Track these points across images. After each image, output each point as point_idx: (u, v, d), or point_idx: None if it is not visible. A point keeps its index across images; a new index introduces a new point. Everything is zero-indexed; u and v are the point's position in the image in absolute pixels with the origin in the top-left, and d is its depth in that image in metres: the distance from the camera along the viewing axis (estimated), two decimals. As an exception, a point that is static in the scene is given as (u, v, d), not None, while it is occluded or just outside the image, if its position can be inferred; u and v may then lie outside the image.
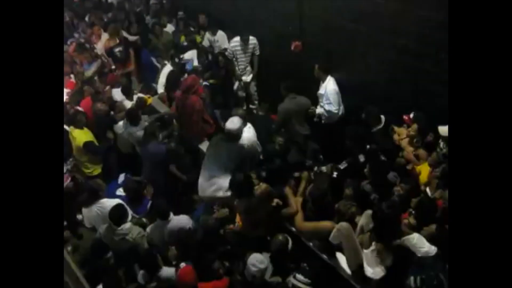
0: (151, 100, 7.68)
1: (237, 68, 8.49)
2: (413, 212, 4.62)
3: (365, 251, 4.42)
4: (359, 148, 5.65)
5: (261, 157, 6.21)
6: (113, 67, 8.88)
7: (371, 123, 6.11)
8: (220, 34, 9.23)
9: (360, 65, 6.72)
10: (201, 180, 5.82)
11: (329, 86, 6.67)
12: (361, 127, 6.03)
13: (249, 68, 8.59)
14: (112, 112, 7.51)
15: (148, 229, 5.55)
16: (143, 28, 10.17)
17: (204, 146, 6.80)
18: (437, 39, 5.32)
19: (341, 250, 4.73)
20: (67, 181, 6.33)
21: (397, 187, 5.09)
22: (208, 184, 5.72)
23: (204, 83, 8.12)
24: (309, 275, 4.54)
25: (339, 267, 4.71)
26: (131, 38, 9.70)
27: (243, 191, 5.12)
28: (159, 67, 8.94)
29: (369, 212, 4.65)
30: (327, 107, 6.73)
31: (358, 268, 4.44)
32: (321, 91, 6.76)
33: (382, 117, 6.09)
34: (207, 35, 9.33)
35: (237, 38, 8.33)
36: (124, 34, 9.76)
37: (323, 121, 6.88)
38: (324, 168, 5.65)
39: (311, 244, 5.02)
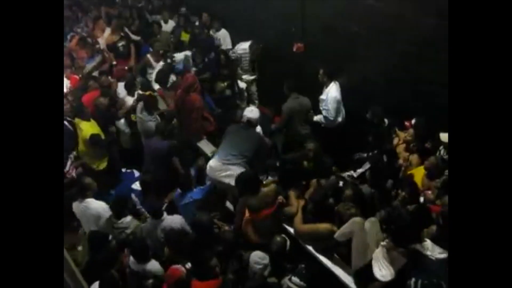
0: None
1: (239, 68, 8.51)
2: None
3: (377, 250, 4.38)
4: (381, 146, 5.64)
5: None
6: (114, 62, 8.86)
7: (376, 122, 6.16)
8: (223, 32, 9.25)
9: (360, 67, 6.72)
10: (213, 162, 5.79)
11: (330, 93, 6.68)
12: (382, 126, 6.02)
13: (250, 68, 8.61)
14: (113, 108, 7.50)
15: (142, 229, 5.53)
16: (145, 25, 10.20)
17: (203, 144, 6.85)
18: (437, 42, 5.34)
19: (339, 254, 4.78)
20: (73, 172, 6.34)
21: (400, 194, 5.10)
22: (220, 167, 5.70)
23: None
24: (305, 278, 4.57)
25: (337, 271, 4.74)
26: (134, 37, 9.72)
27: (250, 187, 5.13)
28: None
29: (373, 219, 4.62)
30: (324, 113, 6.77)
31: (363, 268, 4.42)
32: (323, 96, 6.78)
33: (385, 120, 6.15)
34: (210, 32, 9.37)
35: (246, 45, 8.29)
36: (126, 30, 9.75)
37: (322, 125, 6.90)
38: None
39: (310, 247, 5.03)
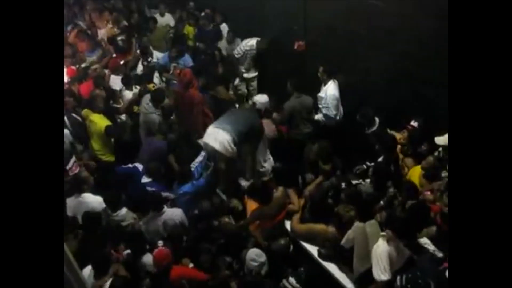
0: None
1: (241, 66, 8.48)
2: None
3: (376, 244, 4.37)
4: (385, 151, 5.61)
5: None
6: (114, 55, 8.82)
7: (366, 125, 6.19)
8: (223, 26, 9.36)
9: (360, 66, 6.74)
10: (209, 128, 5.87)
11: (329, 91, 6.69)
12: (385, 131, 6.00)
13: (252, 65, 8.56)
14: (111, 101, 7.49)
15: (141, 222, 5.53)
16: (144, 19, 10.17)
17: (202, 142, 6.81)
18: (437, 44, 5.33)
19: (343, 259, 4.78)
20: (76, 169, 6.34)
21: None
22: (211, 131, 5.79)
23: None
24: (302, 280, 4.57)
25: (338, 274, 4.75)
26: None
27: (263, 197, 5.20)
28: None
29: (372, 222, 4.63)
30: (324, 111, 6.77)
31: (365, 273, 4.44)
32: (322, 94, 6.79)
33: (376, 119, 6.14)
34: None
35: (253, 42, 8.23)
36: (125, 23, 9.76)
37: (321, 124, 6.91)
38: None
39: (311, 250, 5.03)
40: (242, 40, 8.64)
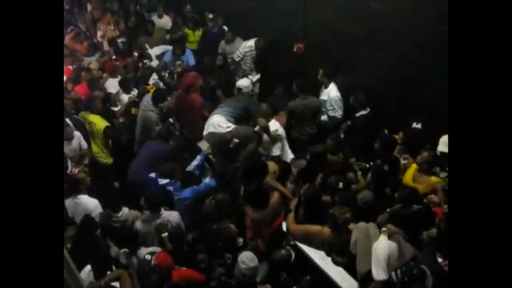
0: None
1: (243, 68, 8.45)
2: None
3: (377, 240, 4.40)
4: (387, 154, 5.55)
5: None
6: (114, 57, 8.82)
7: (356, 107, 6.40)
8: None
9: (360, 68, 6.75)
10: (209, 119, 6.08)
11: (332, 93, 6.77)
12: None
13: (254, 68, 8.50)
14: (107, 104, 7.48)
15: (137, 223, 5.50)
16: (141, 22, 10.18)
17: (203, 144, 6.77)
18: (437, 46, 5.33)
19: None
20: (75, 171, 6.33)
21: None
22: (211, 120, 6.01)
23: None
24: None
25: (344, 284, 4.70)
26: None
27: (259, 202, 5.15)
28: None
29: (372, 224, 4.64)
30: (331, 113, 6.83)
31: (367, 273, 4.43)
32: (324, 97, 6.84)
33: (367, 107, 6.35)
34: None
35: (251, 43, 8.23)
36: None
37: (327, 125, 6.94)
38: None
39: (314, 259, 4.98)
40: (242, 38, 8.67)
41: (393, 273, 4.10)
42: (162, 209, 5.46)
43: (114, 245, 5.22)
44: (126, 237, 5.24)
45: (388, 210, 4.86)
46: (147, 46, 9.07)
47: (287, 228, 5.20)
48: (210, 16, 9.46)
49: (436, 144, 5.27)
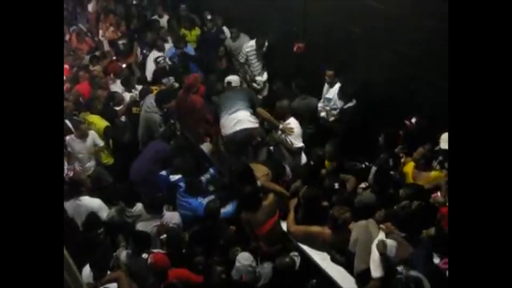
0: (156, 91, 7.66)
1: (250, 69, 8.45)
2: None
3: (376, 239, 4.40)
4: (391, 150, 5.56)
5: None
6: (114, 58, 8.85)
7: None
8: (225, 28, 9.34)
9: (360, 68, 6.74)
10: (223, 121, 5.87)
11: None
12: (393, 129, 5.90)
13: (264, 69, 8.51)
14: (111, 103, 7.51)
15: (139, 224, 5.46)
16: (144, 23, 10.20)
17: (205, 146, 6.79)
18: (437, 45, 5.32)
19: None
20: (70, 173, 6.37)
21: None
22: (231, 118, 5.80)
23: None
24: None
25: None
26: None
27: (250, 204, 5.12)
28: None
29: (371, 220, 4.65)
30: (335, 112, 6.81)
31: (365, 270, 4.43)
32: (329, 95, 6.84)
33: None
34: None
35: (252, 42, 8.25)
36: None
37: (325, 124, 6.94)
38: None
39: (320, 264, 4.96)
40: (246, 35, 8.69)
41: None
42: (165, 210, 5.47)
43: (122, 245, 5.25)
44: (138, 238, 5.18)
45: (387, 208, 4.87)
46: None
47: (288, 229, 5.18)
48: (209, 17, 9.52)
49: (437, 142, 5.24)
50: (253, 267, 4.71)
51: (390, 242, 4.31)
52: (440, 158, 5.20)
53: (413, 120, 5.63)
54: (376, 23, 6.29)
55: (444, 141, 5.13)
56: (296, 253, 5.03)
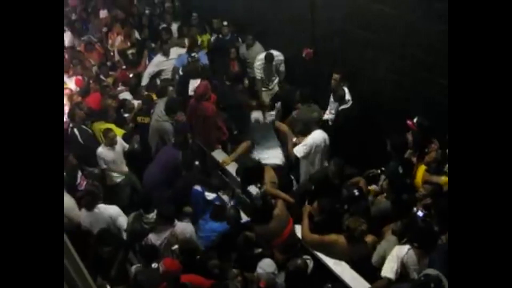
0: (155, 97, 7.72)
1: (261, 78, 8.35)
2: None
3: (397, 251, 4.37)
4: (400, 157, 5.46)
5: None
6: (124, 67, 8.93)
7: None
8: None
9: (369, 72, 6.71)
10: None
11: (346, 97, 6.74)
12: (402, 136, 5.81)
13: (276, 79, 8.43)
14: (122, 110, 7.59)
15: (150, 235, 5.42)
16: (154, 31, 10.26)
17: (217, 153, 6.78)
18: (445, 48, 5.24)
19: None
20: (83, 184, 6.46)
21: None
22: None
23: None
24: None
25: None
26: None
27: (261, 217, 5.07)
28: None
29: (393, 238, 4.60)
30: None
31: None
32: (332, 98, 6.84)
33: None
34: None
35: (262, 56, 8.15)
36: (137, 35, 9.88)
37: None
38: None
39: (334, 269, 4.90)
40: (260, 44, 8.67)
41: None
42: (176, 220, 5.43)
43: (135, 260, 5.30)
44: (146, 251, 5.21)
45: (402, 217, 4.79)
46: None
47: (303, 238, 5.12)
48: (225, 23, 9.46)
49: (446, 144, 5.16)
50: (274, 275, 4.67)
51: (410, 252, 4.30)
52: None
53: (415, 120, 5.55)
54: (385, 27, 6.24)
55: None
56: (308, 257, 4.98)
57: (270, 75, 8.29)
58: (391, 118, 6.11)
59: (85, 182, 6.49)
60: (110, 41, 9.82)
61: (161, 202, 5.71)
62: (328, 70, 6.93)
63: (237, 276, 4.77)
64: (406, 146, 5.54)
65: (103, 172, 6.77)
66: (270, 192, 5.36)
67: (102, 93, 7.80)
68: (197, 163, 6.40)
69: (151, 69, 8.59)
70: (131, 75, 8.66)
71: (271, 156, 6.18)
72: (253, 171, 5.51)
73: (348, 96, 6.67)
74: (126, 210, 5.95)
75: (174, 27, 10.09)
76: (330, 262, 4.92)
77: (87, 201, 5.67)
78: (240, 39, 9.20)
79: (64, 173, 6.28)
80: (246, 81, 8.36)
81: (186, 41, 9.17)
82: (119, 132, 6.95)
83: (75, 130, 6.92)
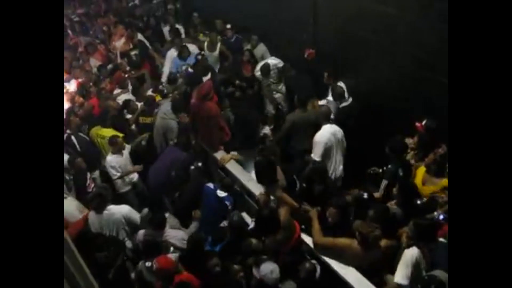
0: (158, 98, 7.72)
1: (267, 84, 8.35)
2: None
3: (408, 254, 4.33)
4: (398, 160, 5.41)
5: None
6: (128, 68, 8.95)
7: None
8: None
9: (371, 73, 6.71)
10: None
11: (345, 94, 6.78)
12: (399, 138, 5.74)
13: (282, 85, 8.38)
14: (125, 111, 7.61)
15: (140, 234, 5.45)
16: (157, 31, 10.32)
17: (220, 155, 6.74)
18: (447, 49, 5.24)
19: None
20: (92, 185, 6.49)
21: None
22: None
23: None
24: None
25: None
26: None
27: (270, 227, 4.89)
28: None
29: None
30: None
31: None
32: (331, 97, 6.86)
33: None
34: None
35: (258, 68, 8.16)
36: (142, 38, 9.89)
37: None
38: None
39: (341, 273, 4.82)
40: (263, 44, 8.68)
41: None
42: (168, 227, 5.40)
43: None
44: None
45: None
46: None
47: (315, 241, 4.98)
48: (228, 26, 9.49)
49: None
50: (278, 281, 4.60)
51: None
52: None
53: (424, 122, 5.53)
54: (387, 27, 6.24)
55: None
56: (314, 261, 4.90)
57: (271, 80, 8.28)
58: (392, 118, 6.13)
59: (93, 185, 6.53)
60: (113, 43, 9.83)
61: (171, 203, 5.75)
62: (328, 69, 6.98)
63: (239, 272, 4.74)
64: (405, 148, 5.52)
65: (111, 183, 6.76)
66: (276, 196, 5.28)
67: (99, 96, 7.83)
68: (200, 164, 6.39)
69: (167, 67, 8.73)
70: (126, 75, 8.66)
71: None
72: (268, 169, 5.39)
73: (346, 94, 6.72)
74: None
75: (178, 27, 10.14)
76: (334, 264, 4.86)
77: (97, 203, 5.65)
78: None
79: (74, 177, 6.44)
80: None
81: (207, 40, 9.22)
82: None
83: (73, 137, 6.95)
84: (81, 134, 7.15)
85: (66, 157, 6.43)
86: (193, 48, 9.07)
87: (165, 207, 6.13)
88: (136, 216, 5.65)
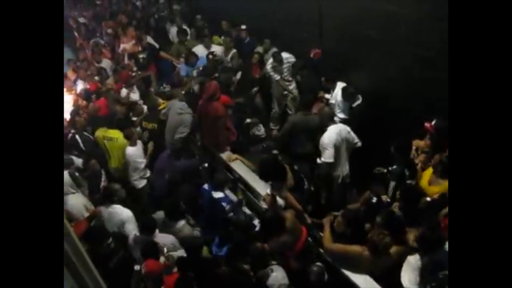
0: (164, 105, 7.70)
1: (277, 79, 8.38)
2: None
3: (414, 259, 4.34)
4: (405, 160, 5.36)
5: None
6: (135, 68, 8.99)
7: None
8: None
9: (376, 73, 6.71)
10: None
11: (339, 97, 6.92)
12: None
13: (293, 83, 8.42)
14: (130, 113, 7.64)
15: (130, 239, 5.43)
16: (163, 34, 10.38)
17: (227, 155, 6.71)
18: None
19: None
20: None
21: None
22: None
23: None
24: None
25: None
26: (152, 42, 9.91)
27: (274, 228, 4.87)
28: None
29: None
30: (339, 115, 6.89)
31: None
32: (332, 100, 6.96)
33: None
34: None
35: (271, 60, 8.22)
36: (150, 40, 9.94)
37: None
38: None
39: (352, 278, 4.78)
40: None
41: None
42: (157, 231, 5.34)
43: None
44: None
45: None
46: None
47: (325, 247, 4.93)
48: (243, 27, 9.45)
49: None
50: (286, 286, 4.63)
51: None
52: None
53: (433, 122, 5.45)
54: (392, 26, 6.22)
55: None
56: (320, 263, 4.90)
57: (283, 75, 8.32)
58: (396, 117, 6.13)
59: (105, 183, 6.59)
60: (122, 45, 9.87)
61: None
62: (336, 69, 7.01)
63: (250, 275, 4.70)
64: (410, 148, 5.48)
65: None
66: (283, 197, 5.25)
67: (107, 96, 7.86)
68: (206, 165, 6.42)
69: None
70: (133, 74, 8.71)
71: None
72: (275, 166, 5.37)
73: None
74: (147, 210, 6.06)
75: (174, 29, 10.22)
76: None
77: (103, 197, 5.77)
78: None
79: (88, 177, 6.51)
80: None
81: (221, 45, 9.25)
82: (122, 136, 6.91)
83: (77, 136, 7.00)
84: (85, 133, 7.19)
85: (79, 160, 6.54)
86: (200, 49, 9.09)
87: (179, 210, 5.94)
88: (132, 227, 5.58)
